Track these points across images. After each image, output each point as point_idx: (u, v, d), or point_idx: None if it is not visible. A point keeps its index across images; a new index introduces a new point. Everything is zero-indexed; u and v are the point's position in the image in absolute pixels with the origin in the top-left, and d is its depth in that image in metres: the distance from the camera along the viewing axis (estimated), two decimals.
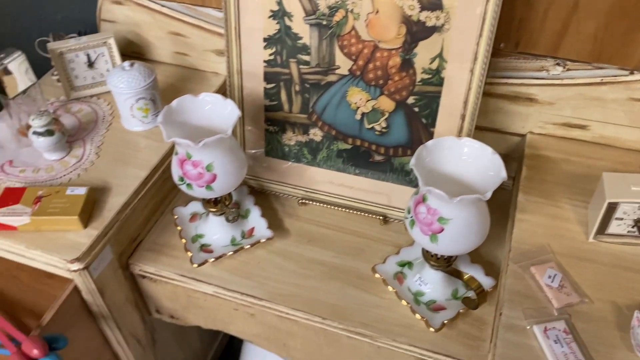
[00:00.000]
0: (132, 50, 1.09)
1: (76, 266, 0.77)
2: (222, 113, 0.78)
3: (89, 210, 0.81)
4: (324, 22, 0.79)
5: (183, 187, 0.79)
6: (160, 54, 1.09)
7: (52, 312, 0.78)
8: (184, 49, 1.06)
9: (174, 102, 0.78)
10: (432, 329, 0.76)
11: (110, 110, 0.99)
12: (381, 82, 0.81)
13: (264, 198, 0.97)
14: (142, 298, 0.95)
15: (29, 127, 0.91)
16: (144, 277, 0.89)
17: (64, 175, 0.87)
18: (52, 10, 1.11)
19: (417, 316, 0.78)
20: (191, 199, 0.96)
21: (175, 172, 0.79)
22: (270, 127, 0.92)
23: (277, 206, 0.96)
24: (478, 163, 0.70)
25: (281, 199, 0.97)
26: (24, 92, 0.89)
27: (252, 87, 0.89)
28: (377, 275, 0.84)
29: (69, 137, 0.92)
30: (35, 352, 0.71)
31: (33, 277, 0.85)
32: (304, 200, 0.95)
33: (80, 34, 1.06)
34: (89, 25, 1.13)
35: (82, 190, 0.81)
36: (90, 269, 0.79)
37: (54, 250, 0.77)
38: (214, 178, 0.77)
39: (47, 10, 1.11)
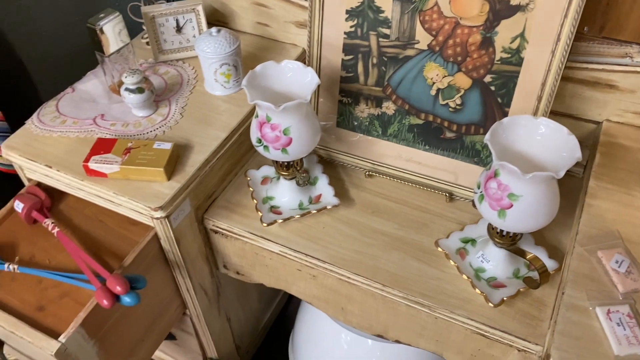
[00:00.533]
0: (217, 19, 1.14)
1: (159, 214, 0.83)
2: (302, 80, 0.82)
3: (173, 164, 0.87)
4: None
5: (260, 149, 0.84)
6: (243, 24, 1.13)
7: (133, 255, 0.85)
8: (265, 19, 1.10)
9: (258, 67, 0.82)
10: (490, 304, 0.77)
11: (194, 74, 1.05)
12: (459, 58, 0.82)
13: (332, 168, 1.00)
14: (212, 252, 1.01)
15: (120, 84, 0.98)
16: (216, 232, 0.95)
17: (151, 131, 0.93)
18: None
19: (477, 291, 0.79)
20: (263, 162, 1.01)
21: (254, 134, 0.83)
22: (343, 98, 0.94)
23: (343, 176, 0.99)
24: (552, 143, 0.70)
25: (348, 169, 1.00)
26: (119, 51, 0.96)
27: (330, 58, 0.92)
28: (439, 250, 0.86)
29: (156, 97, 0.98)
30: (118, 289, 0.78)
31: (117, 223, 0.92)
32: (370, 173, 0.98)
33: (168, 0, 1.12)
34: None
35: (167, 145, 0.87)
36: (170, 219, 0.85)
37: (140, 198, 0.84)
38: (290, 142, 0.80)
39: None
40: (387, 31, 0.85)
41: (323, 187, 0.95)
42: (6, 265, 0.84)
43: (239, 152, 0.99)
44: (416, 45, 0.84)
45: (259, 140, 0.82)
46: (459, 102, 0.86)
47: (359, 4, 0.85)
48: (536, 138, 0.72)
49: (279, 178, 0.95)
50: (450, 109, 0.87)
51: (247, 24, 1.13)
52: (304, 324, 1.21)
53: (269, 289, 1.41)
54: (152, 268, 0.90)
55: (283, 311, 1.50)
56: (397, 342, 0.92)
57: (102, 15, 0.92)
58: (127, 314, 0.87)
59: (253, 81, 0.81)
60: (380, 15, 0.84)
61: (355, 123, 0.96)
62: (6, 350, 0.92)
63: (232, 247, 0.96)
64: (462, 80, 0.84)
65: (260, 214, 0.91)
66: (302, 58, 1.10)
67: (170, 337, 1.15)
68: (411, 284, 0.83)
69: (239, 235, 0.92)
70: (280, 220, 0.90)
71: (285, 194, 0.93)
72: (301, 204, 0.93)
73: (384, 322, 0.89)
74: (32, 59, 1.17)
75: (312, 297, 0.95)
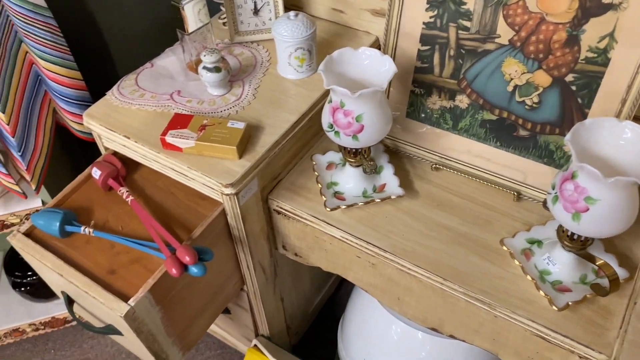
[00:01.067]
0: (292, 3, 1.16)
1: (229, 190, 0.85)
2: (378, 68, 0.82)
3: (244, 144, 0.89)
4: None
5: (330, 134, 0.85)
6: (318, 9, 1.14)
7: (201, 229, 0.88)
8: (341, 5, 1.10)
9: (335, 53, 0.83)
10: (554, 308, 0.76)
11: (268, 56, 1.06)
12: (541, 56, 0.80)
13: (397, 158, 1.00)
14: (272, 232, 1.03)
15: (198, 62, 1.01)
16: (279, 212, 0.97)
17: (224, 110, 0.96)
18: None
19: (541, 293, 0.78)
20: (329, 148, 1.02)
21: (326, 119, 0.84)
22: (416, 89, 0.94)
23: (409, 167, 0.99)
24: (636, 148, 0.68)
25: (414, 161, 1.00)
26: (199, 29, 0.98)
27: (406, 48, 0.91)
28: (504, 248, 0.85)
29: (230, 77, 1.01)
30: (187, 259, 0.81)
31: (187, 195, 0.96)
32: (437, 166, 0.97)
33: None
34: None
35: (241, 125, 0.89)
36: (239, 196, 0.87)
37: (212, 174, 0.86)
38: (362, 129, 0.81)
39: None
40: (467, 23, 0.84)
41: (388, 177, 0.95)
42: (82, 228, 0.88)
43: (306, 136, 1.00)
44: (497, 40, 0.83)
45: (331, 126, 0.83)
46: (536, 100, 0.84)
47: None
48: (619, 142, 0.69)
49: (344, 164, 0.96)
50: (526, 107, 0.85)
51: (321, 9, 1.14)
52: (355, 310, 1.22)
53: (322, 273, 1.43)
54: (217, 242, 0.93)
55: (333, 296, 1.52)
56: (452, 337, 0.91)
57: None
58: (191, 285, 0.91)
59: (329, 66, 0.82)
60: (462, 7, 0.83)
61: (426, 115, 0.95)
62: (75, 308, 0.97)
63: (293, 229, 0.98)
64: (542, 78, 0.82)
65: (324, 199, 0.92)
66: (375, 46, 1.10)
67: (226, 311, 1.19)
68: (472, 280, 0.82)
69: (301, 217, 0.94)
70: (344, 207, 0.91)
71: (350, 180, 0.94)
72: (365, 192, 0.94)
73: (440, 315, 0.89)
74: (112, 33, 1.22)
75: (369, 285, 0.96)
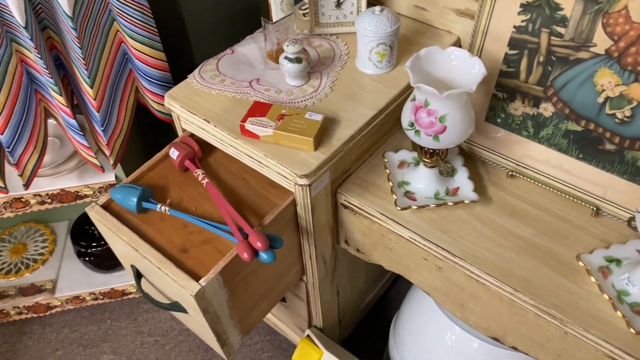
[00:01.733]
0: None
1: (303, 181, 0.86)
2: (466, 69, 0.80)
3: (320, 136, 0.89)
4: None
5: (410, 133, 0.84)
6: (399, 5, 1.13)
7: (272, 216, 0.89)
8: (424, 3, 1.09)
9: (422, 51, 0.82)
10: (632, 331, 0.73)
11: (346, 50, 1.06)
12: (639, 68, 0.77)
13: (472, 162, 0.98)
14: (336, 226, 1.03)
15: (278, 51, 1.02)
16: (346, 207, 0.97)
17: (302, 101, 0.96)
18: None
19: (618, 314, 0.75)
20: (400, 146, 1.01)
21: (407, 117, 0.83)
22: (499, 93, 0.92)
23: (483, 172, 0.97)
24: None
25: (488, 166, 0.98)
26: (283, 19, 0.99)
27: (492, 50, 0.89)
28: (580, 264, 0.82)
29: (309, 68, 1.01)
30: (258, 245, 0.82)
31: (258, 182, 0.97)
32: (512, 173, 0.95)
33: None
34: None
35: (318, 117, 0.89)
36: (311, 187, 0.87)
37: (287, 163, 0.87)
38: (444, 129, 0.80)
39: None
40: (561, 30, 0.81)
41: (462, 181, 0.93)
42: (159, 206, 0.90)
43: (379, 132, 1.00)
44: (592, 49, 0.80)
45: (411, 124, 0.82)
46: (628, 114, 0.81)
47: None
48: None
49: (417, 164, 0.95)
50: (616, 120, 0.82)
51: (403, 6, 1.12)
52: (411, 311, 1.21)
53: (378, 270, 1.43)
54: (284, 231, 0.93)
55: (385, 294, 1.52)
56: (514, 348, 0.89)
57: None
58: (256, 270, 0.92)
59: (416, 64, 0.81)
60: (558, 12, 0.80)
61: (506, 120, 0.93)
62: (143, 283, 1.00)
63: (359, 225, 0.98)
64: (638, 92, 0.79)
65: (395, 197, 0.92)
66: (457, 46, 1.08)
67: (282, 299, 1.20)
68: (544, 293, 0.80)
69: (369, 214, 0.93)
70: (415, 207, 0.90)
71: (422, 181, 0.93)
72: (437, 194, 0.92)
73: (505, 326, 0.87)
74: (192, 17, 1.24)
75: (432, 288, 0.95)
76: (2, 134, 0.93)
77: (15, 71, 0.91)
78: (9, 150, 0.96)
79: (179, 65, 1.21)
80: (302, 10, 1.16)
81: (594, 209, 0.88)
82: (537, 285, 0.81)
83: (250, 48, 1.07)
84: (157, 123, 1.31)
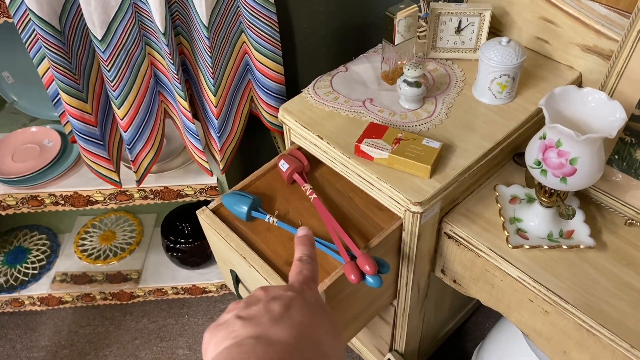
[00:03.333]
0: (492, 25, 1.12)
1: (416, 208, 0.85)
2: (602, 112, 0.77)
3: (437, 164, 0.88)
4: None
5: (535, 172, 0.81)
6: (519, 35, 1.10)
7: (379, 239, 0.88)
8: (547, 36, 1.06)
9: (558, 90, 0.79)
10: None
11: (463, 76, 1.05)
12: None
13: (586, 204, 0.94)
14: (435, 255, 1.01)
15: (394, 73, 1.01)
16: (450, 237, 0.95)
17: (416, 125, 0.95)
18: None
19: None
20: (510, 179, 0.98)
21: (533, 155, 0.81)
22: (627, 137, 0.88)
23: (598, 217, 0.93)
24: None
25: (604, 211, 0.94)
26: (405, 41, 0.99)
27: (626, 93, 0.86)
28: None
29: None
30: (367, 269, 0.81)
31: (364, 203, 0.97)
32: (632, 221, 0.90)
33: (456, 0, 1.12)
34: None
35: (436, 145, 0.88)
36: (422, 215, 0.86)
37: (400, 189, 0.86)
38: (573, 172, 0.77)
39: None
40: None
41: (578, 224, 0.90)
42: (267, 217, 0.92)
43: (491, 164, 0.97)
44: None
45: (538, 163, 0.80)
46: None
47: None
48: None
49: (529, 201, 0.92)
50: None
51: (524, 37, 1.10)
52: (498, 347, 1.18)
53: (462, 300, 1.40)
54: (387, 255, 0.93)
55: (463, 324, 1.48)
56: None
57: (402, 6, 0.95)
58: (355, 292, 0.92)
59: (550, 102, 0.78)
60: None
61: (631, 165, 0.89)
62: (240, 288, 1.02)
63: (461, 256, 0.96)
64: None
65: (507, 234, 0.89)
66: (577, 83, 1.04)
67: None
68: None
69: (475, 247, 0.91)
70: (527, 247, 0.87)
71: (535, 219, 0.90)
72: (550, 235, 0.89)
73: None
74: (303, 32, 1.26)
75: (533, 331, 0.92)
76: (125, 131, 0.98)
77: (145, 73, 0.95)
78: (129, 147, 1.00)
79: (285, 78, 1.23)
80: (418, 32, 1.15)
81: None
82: None
83: (364, 67, 1.07)
84: (255, 133, 1.33)
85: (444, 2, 1.07)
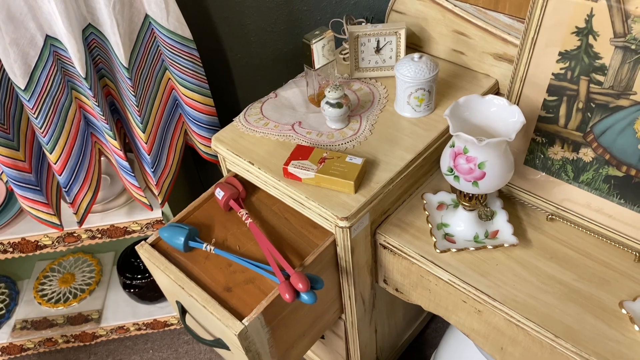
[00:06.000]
0: (411, 42, 1.18)
1: (344, 223, 0.88)
2: (505, 117, 0.82)
3: (361, 178, 0.92)
4: (633, 47, 0.78)
5: (449, 178, 0.85)
6: (437, 49, 1.16)
7: (313, 257, 0.91)
8: (462, 47, 1.11)
9: (462, 99, 0.84)
10: None
11: (385, 93, 1.09)
12: None
13: (511, 204, 0.99)
14: (375, 265, 1.04)
15: (319, 95, 1.05)
16: (385, 247, 0.98)
17: (342, 144, 0.99)
18: None
19: None
20: (439, 187, 1.02)
21: (446, 163, 0.85)
22: (538, 137, 0.93)
23: (522, 215, 0.98)
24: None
25: (527, 209, 0.98)
26: (325, 65, 1.03)
27: (531, 96, 0.91)
28: (623, 311, 0.81)
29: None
30: (300, 286, 0.84)
31: (300, 223, 1.00)
32: (552, 216, 0.95)
33: (367, 20, 1.18)
34: (375, 12, 1.25)
35: (359, 161, 0.92)
36: (351, 229, 0.90)
37: (328, 206, 0.90)
38: (483, 176, 0.81)
39: None
40: (600, 78, 0.82)
41: (501, 224, 0.94)
42: (204, 245, 0.94)
43: (417, 174, 1.02)
44: (632, 97, 0.80)
45: (451, 170, 0.84)
46: None
47: (575, 47, 0.83)
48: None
49: (456, 206, 0.96)
50: None
51: (442, 50, 1.15)
52: (449, 350, 1.21)
53: (415, 309, 1.43)
54: (324, 271, 0.96)
55: (422, 332, 1.51)
56: None
57: (317, 32, 1.00)
58: (297, 310, 0.94)
59: (455, 111, 0.83)
60: (597, 61, 0.82)
61: (546, 164, 0.94)
62: (187, 318, 1.03)
63: (398, 265, 0.99)
64: None
65: (435, 240, 0.93)
66: (494, 89, 1.10)
67: (320, 336, 1.21)
68: (586, 340, 0.79)
69: (408, 255, 0.95)
70: (454, 250, 0.91)
71: (461, 223, 0.94)
72: (476, 237, 0.93)
73: None
74: (238, 61, 1.30)
75: (471, 331, 0.95)
76: (60, 175, 1.00)
77: (74, 117, 0.97)
78: (66, 190, 1.02)
79: (225, 106, 1.27)
80: (342, 54, 1.20)
81: (637, 254, 0.87)
82: (578, 332, 0.80)
83: (293, 92, 1.11)
84: (202, 162, 1.36)
85: (356, 21, 1.12)
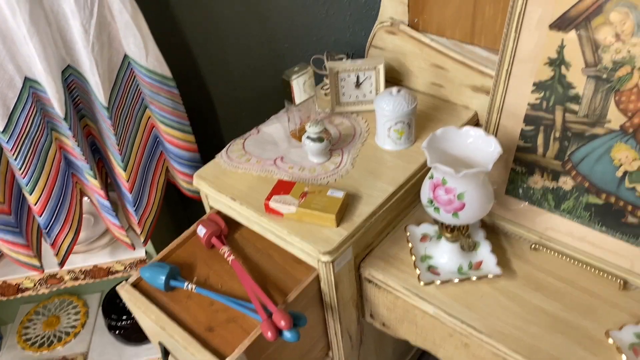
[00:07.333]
0: (391, 75, 1.20)
1: (326, 258, 0.87)
2: (483, 148, 0.83)
3: (342, 212, 0.91)
4: (604, 76, 0.79)
5: (430, 210, 0.85)
6: (417, 82, 1.17)
7: (296, 293, 0.90)
8: (441, 80, 1.13)
9: (439, 131, 0.84)
10: None
11: (366, 127, 1.10)
12: None
13: (494, 234, 0.98)
14: (361, 300, 1.03)
15: (301, 130, 1.06)
16: (370, 281, 0.97)
17: (324, 178, 0.99)
18: (328, 33, 1.27)
19: None
20: (422, 218, 1.02)
21: (426, 194, 0.85)
22: (517, 167, 0.93)
23: (506, 245, 0.97)
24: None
25: (511, 239, 0.98)
26: (305, 101, 1.04)
27: (508, 126, 0.92)
28: (609, 341, 0.80)
29: (330, 146, 1.05)
30: (282, 324, 0.83)
31: (283, 258, 0.99)
32: (536, 246, 0.95)
33: (347, 56, 1.20)
34: (355, 48, 1.27)
35: (340, 194, 0.92)
36: (334, 263, 0.89)
37: (310, 240, 0.89)
38: (462, 207, 0.81)
39: (324, 33, 1.27)
40: (575, 107, 0.83)
41: (485, 254, 0.93)
42: (186, 284, 0.93)
43: (400, 206, 1.01)
44: (606, 125, 0.81)
45: (430, 201, 0.84)
46: None
47: (549, 78, 0.84)
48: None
49: (439, 237, 0.95)
50: (637, 194, 0.82)
51: (421, 83, 1.17)
52: None
53: (404, 343, 1.40)
54: (308, 307, 0.94)
55: None
56: None
57: (296, 69, 1.01)
58: (281, 348, 0.92)
59: (432, 144, 0.83)
60: (571, 91, 0.83)
61: (526, 193, 0.94)
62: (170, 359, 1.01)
63: (383, 299, 0.98)
64: None
65: (418, 272, 0.92)
66: (474, 120, 1.11)
67: None
68: None
69: (393, 288, 0.93)
70: (438, 282, 0.90)
71: (444, 255, 0.94)
72: (460, 269, 0.93)
73: None
74: (221, 99, 1.31)
75: None
76: (40, 216, 0.99)
77: (54, 157, 0.97)
78: (47, 231, 1.01)
79: (209, 142, 1.27)
80: (323, 89, 1.21)
81: (622, 282, 0.87)
82: None
83: (275, 127, 1.12)
84: (187, 198, 1.36)
85: (337, 57, 1.13)
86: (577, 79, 0.82)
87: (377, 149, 1.06)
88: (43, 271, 1.12)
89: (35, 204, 0.99)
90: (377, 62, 1.08)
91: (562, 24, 0.80)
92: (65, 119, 0.89)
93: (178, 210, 1.45)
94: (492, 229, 0.99)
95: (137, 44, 0.91)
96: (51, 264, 1.20)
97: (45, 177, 0.97)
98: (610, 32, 0.77)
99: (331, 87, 1.11)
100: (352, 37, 1.27)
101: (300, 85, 1.02)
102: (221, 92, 1.32)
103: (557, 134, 0.87)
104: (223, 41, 1.22)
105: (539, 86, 0.86)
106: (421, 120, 1.10)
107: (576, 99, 0.83)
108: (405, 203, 1.02)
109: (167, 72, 1.00)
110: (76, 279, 1.22)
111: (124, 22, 0.86)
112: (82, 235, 1.22)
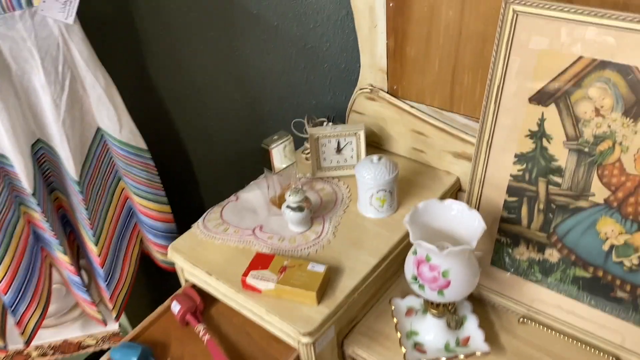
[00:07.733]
0: (372, 140, 1.18)
1: (307, 339, 0.83)
2: (466, 222, 0.80)
3: (324, 288, 0.88)
4: (586, 150, 0.78)
5: (414, 287, 0.82)
6: (398, 147, 1.16)
7: None
8: (422, 146, 1.12)
9: (421, 205, 0.82)
10: None
11: (348, 193, 1.08)
12: None
13: (481, 306, 0.95)
14: None
15: (281, 197, 1.03)
16: (354, 359, 0.93)
17: (304, 249, 0.96)
18: (309, 96, 1.26)
19: None
20: (407, 290, 0.98)
21: (410, 271, 0.82)
22: (502, 238, 0.91)
23: (493, 318, 0.94)
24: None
25: (499, 311, 0.95)
26: (285, 169, 1.02)
27: (491, 197, 0.90)
28: None
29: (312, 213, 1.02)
30: None
31: (262, 337, 0.94)
32: (524, 319, 0.91)
33: (328, 119, 1.19)
34: (337, 111, 1.26)
35: (321, 268, 0.89)
36: (315, 344, 0.85)
37: (290, 320, 0.85)
38: (448, 284, 0.78)
39: (305, 97, 1.26)
40: (558, 179, 0.82)
41: (472, 330, 0.90)
42: None
43: (384, 276, 0.98)
44: (590, 198, 0.80)
45: (415, 278, 0.81)
46: (636, 262, 0.79)
47: (530, 150, 0.83)
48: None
49: (425, 312, 0.92)
50: (624, 268, 0.80)
51: (402, 148, 1.16)
52: None
53: None
54: None
55: None
56: None
57: (275, 137, 0.99)
58: None
59: (415, 218, 0.81)
60: (553, 164, 0.82)
61: (514, 264, 0.91)
62: None
63: None
64: None
65: (404, 350, 0.88)
66: (456, 186, 1.09)
67: None
68: None
69: None
70: None
71: (430, 331, 0.90)
72: (447, 346, 0.89)
73: None
74: (201, 163, 1.29)
75: None
76: (5, 295, 0.94)
77: (21, 234, 0.93)
78: (12, 309, 0.96)
79: (189, 207, 1.23)
80: (304, 154, 1.19)
81: (613, 358, 0.83)
82: None
83: (254, 194, 1.09)
84: (168, 272, 1.31)
85: (317, 121, 1.12)
86: (559, 151, 0.81)
87: (359, 216, 1.03)
88: (7, 351, 1.06)
89: (0, 282, 0.94)
90: (357, 129, 1.07)
91: (541, 98, 0.80)
92: (34, 194, 0.86)
93: (155, 278, 1.40)
94: (479, 300, 0.96)
95: (111, 117, 0.89)
96: (17, 340, 1.13)
97: (12, 254, 0.92)
98: (590, 107, 0.76)
99: (312, 153, 1.10)
100: (333, 100, 1.26)
101: (280, 152, 1.00)
102: (201, 156, 1.29)
103: (541, 206, 0.85)
104: (202, 106, 1.21)
105: (520, 158, 0.85)
106: (404, 186, 1.08)
107: (559, 171, 0.82)
108: (389, 273, 0.99)
109: (141, 144, 0.97)
110: (44, 354, 1.16)
111: (96, 95, 0.84)
112: (52, 307, 1.16)
